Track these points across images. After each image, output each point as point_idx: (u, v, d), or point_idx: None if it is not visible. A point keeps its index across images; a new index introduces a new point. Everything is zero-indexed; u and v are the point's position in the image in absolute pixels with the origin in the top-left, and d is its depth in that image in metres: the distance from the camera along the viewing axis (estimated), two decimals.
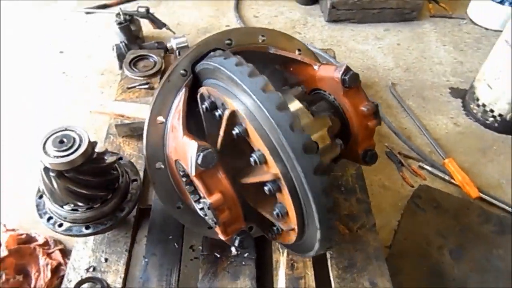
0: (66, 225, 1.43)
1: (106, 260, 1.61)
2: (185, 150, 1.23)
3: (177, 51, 2.42)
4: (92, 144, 1.35)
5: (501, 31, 2.37)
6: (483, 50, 3.01)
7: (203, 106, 1.29)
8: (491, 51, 2.41)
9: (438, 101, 2.67)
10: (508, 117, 2.38)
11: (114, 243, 1.65)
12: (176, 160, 1.34)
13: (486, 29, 3.22)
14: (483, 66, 2.48)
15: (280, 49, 1.54)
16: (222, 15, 3.23)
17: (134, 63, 2.41)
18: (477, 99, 2.49)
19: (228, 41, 1.44)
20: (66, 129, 1.33)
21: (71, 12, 3.18)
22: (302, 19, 3.24)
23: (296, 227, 1.23)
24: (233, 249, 1.67)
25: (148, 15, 2.71)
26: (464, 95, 2.69)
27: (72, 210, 1.41)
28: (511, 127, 2.43)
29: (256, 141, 1.16)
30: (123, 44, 2.60)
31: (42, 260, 1.76)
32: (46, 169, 1.32)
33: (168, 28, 2.81)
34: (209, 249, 1.67)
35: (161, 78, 2.34)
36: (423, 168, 2.27)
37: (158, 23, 2.78)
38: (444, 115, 2.58)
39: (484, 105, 2.46)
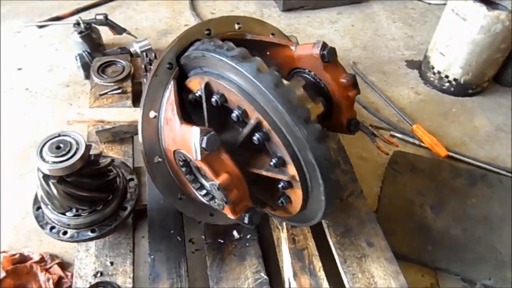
0: (70, 232, 1.43)
1: (111, 263, 1.61)
2: (186, 138, 1.27)
3: (145, 54, 2.41)
4: (88, 147, 1.36)
5: (443, 4, 2.57)
6: (429, 23, 3.23)
7: (213, 99, 1.31)
8: (440, 21, 2.60)
9: (397, 74, 2.84)
10: (462, 81, 2.59)
11: (116, 246, 1.65)
12: (175, 151, 1.38)
13: (429, 3, 3.46)
14: (433, 37, 2.68)
15: (256, 35, 1.61)
16: (178, 15, 3.25)
17: (102, 70, 2.39)
18: (432, 68, 2.69)
19: (207, 31, 1.49)
20: (60, 135, 1.34)
21: (22, 27, 3.07)
22: (258, 11, 3.32)
23: (296, 174, 1.29)
24: (235, 233, 1.72)
25: (107, 22, 2.68)
26: (419, 65, 2.88)
27: (75, 216, 1.41)
28: (465, 89, 2.65)
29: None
30: (86, 53, 2.56)
31: (42, 276, 1.72)
32: (46, 177, 1.31)
33: (129, 33, 2.80)
34: (212, 236, 1.71)
35: (132, 82, 2.35)
36: (394, 136, 2.42)
37: (118, 29, 2.76)
38: (405, 86, 2.76)
39: (439, 72, 2.65)
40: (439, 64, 2.63)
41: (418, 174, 2.19)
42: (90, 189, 1.38)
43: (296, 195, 1.32)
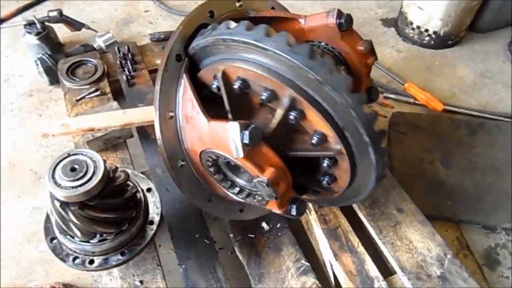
0: (98, 260, 1.27)
1: (141, 282, 1.47)
2: (219, 136, 1.15)
3: (117, 48, 2.20)
4: (106, 163, 1.19)
5: None
6: None
7: (235, 86, 1.18)
8: None
9: (375, 34, 2.81)
10: (441, 33, 2.60)
11: (142, 263, 1.51)
12: (202, 151, 1.24)
13: None
14: None
15: (258, 11, 1.48)
16: (135, 1, 2.99)
17: (71, 72, 2.15)
18: (411, 23, 2.67)
19: (209, 14, 1.34)
20: (69, 155, 1.16)
21: None
22: None
23: (342, 147, 1.21)
24: (264, 225, 1.63)
25: (62, 18, 2.40)
26: (395, 23, 2.86)
27: (100, 241, 1.25)
28: (445, 41, 2.66)
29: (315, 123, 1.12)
30: (47, 56, 2.29)
31: None
32: (64, 204, 1.14)
33: (89, 28, 2.53)
34: (241, 233, 1.61)
35: (108, 80, 2.13)
36: (388, 98, 2.40)
37: (76, 25, 2.49)
38: (385, 45, 2.73)
39: (418, 27, 2.64)
40: (418, 19, 2.61)
41: (420, 132, 2.19)
42: (114, 209, 1.22)
43: (342, 171, 1.23)
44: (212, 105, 1.27)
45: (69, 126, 1.75)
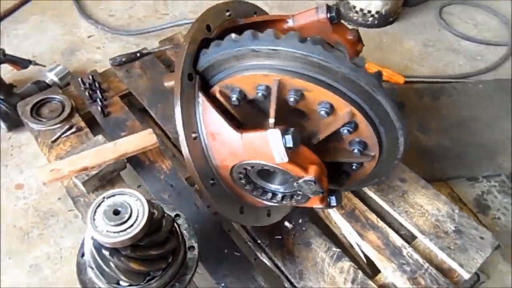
0: None
1: None
2: (255, 146, 1.16)
3: (80, 80, 2.07)
4: (152, 204, 1.14)
5: None
6: None
7: (259, 94, 1.18)
8: None
9: None
10: (383, 11, 2.79)
11: None
12: (235, 165, 1.24)
13: None
14: None
15: (245, 17, 1.50)
16: (74, 27, 2.81)
17: (35, 113, 1.99)
18: (354, 7, 2.83)
19: (206, 28, 1.34)
20: (114, 195, 1.09)
21: None
22: (159, 1, 3.05)
23: (377, 152, 1.28)
24: (287, 224, 1.66)
25: (6, 57, 2.20)
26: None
27: (148, 281, 1.19)
28: (387, 19, 2.86)
29: (317, 95, 1.15)
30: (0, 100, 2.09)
31: None
32: (114, 251, 1.08)
33: (37, 63, 2.34)
34: (268, 237, 1.63)
35: (80, 115, 2.01)
36: None
37: (22, 63, 2.28)
38: None
39: (361, 10, 2.81)
40: (360, 2, 2.78)
41: None
42: (160, 244, 1.17)
43: (368, 132, 1.26)
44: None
45: (61, 170, 1.64)
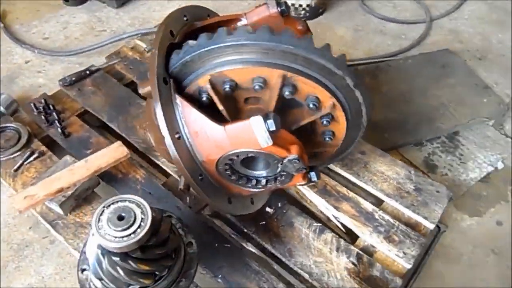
0: None
1: None
2: (239, 135, 1.24)
3: (33, 105, 2.01)
4: (154, 209, 1.18)
5: None
6: None
7: (226, 88, 1.27)
8: None
9: None
10: (313, 4, 2.99)
11: None
12: (220, 157, 1.31)
13: None
14: None
15: (201, 20, 1.58)
16: (8, 55, 2.69)
17: None
18: (285, 3, 2.99)
19: (170, 36, 1.40)
20: (114, 202, 1.12)
21: None
22: (93, 18, 3.01)
23: (341, 141, 1.43)
24: (268, 209, 1.76)
25: None
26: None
27: (157, 281, 1.23)
28: (317, 10, 3.07)
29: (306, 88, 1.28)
30: None
31: None
32: (124, 255, 1.11)
33: None
34: (253, 225, 1.71)
35: (38, 140, 1.96)
36: None
37: None
38: None
39: (293, 5, 2.98)
40: None
41: None
42: (165, 243, 1.22)
43: (339, 123, 1.41)
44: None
45: (35, 195, 1.60)
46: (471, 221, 2.07)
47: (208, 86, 1.30)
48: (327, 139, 1.45)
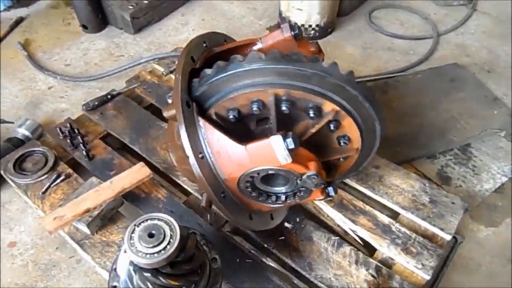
0: None
1: None
2: (260, 153, 1.31)
3: (59, 129, 2.10)
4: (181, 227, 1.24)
5: None
6: None
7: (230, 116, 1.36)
8: None
9: None
10: (322, 24, 3.08)
11: None
12: (241, 176, 1.38)
13: None
14: (283, 4, 3.07)
15: (219, 46, 1.66)
16: (32, 81, 2.81)
17: (18, 169, 2.00)
18: (295, 23, 3.09)
19: (192, 61, 1.49)
20: (146, 220, 1.19)
21: None
22: (111, 44, 3.14)
23: (359, 145, 1.48)
24: (287, 224, 1.81)
25: None
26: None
27: None
28: (326, 30, 3.16)
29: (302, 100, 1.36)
30: None
31: None
32: (155, 271, 1.17)
33: (5, 121, 2.34)
34: (272, 240, 1.76)
35: (64, 162, 2.05)
36: None
37: None
38: None
39: (303, 25, 3.08)
40: (300, 18, 3.04)
41: None
42: (192, 258, 1.28)
43: (350, 126, 1.44)
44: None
45: (64, 216, 1.68)
46: (488, 232, 2.09)
47: (271, 100, 1.36)
48: (343, 144, 1.49)
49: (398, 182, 1.96)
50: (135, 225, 1.20)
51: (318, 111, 1.36)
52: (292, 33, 1.61)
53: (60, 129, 2.13)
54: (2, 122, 2.35)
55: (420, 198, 1.90)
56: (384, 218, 1.83)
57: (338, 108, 1.37)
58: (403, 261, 1.70)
